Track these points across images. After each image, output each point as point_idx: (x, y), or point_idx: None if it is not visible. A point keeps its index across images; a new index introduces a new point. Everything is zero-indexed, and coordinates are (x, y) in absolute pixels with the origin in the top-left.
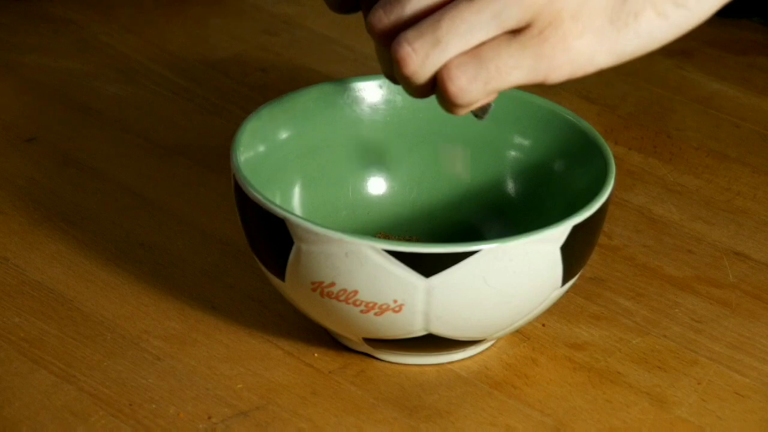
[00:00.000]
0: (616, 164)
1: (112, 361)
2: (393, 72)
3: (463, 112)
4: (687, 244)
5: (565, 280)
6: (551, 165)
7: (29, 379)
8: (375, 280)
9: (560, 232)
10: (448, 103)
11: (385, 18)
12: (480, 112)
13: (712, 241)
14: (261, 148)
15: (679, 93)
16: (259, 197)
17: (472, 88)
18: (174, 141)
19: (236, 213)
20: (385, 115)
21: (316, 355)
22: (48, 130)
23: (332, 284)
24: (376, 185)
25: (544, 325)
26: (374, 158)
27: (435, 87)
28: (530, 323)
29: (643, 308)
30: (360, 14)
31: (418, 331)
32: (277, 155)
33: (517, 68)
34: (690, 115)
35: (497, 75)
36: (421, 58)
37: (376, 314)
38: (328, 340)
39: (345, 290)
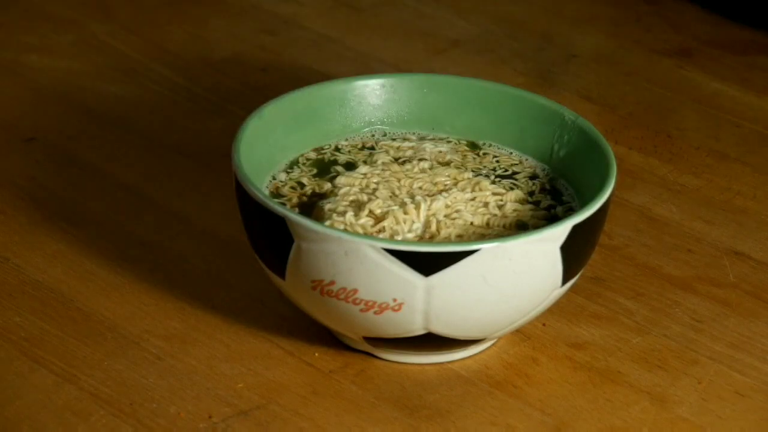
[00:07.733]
0: (616, 164)
1: (113, 360)
2: None
3: None
4: (687, 243)
5: (565, 280)
6: (552, 165)
7: (30, 378)
8: (374, 278)
9: (560, 231)
10: None
11: None
12: None
13: (712, 240)
14: (262, 147)
15: (679, 93)
16: (260, 195)
17: None
18: (174, 141)
19: (237, 212)
20: (388, 113)
21: (316, 354)
22: (48, 130)
23: (332, 282)
24: None
25: (544, 324)
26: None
27: None
28: (531, 323)
29: (644, 308)
30: (361, 13)
31: (418, 330)
32: (279, 154)
33: None
34: (690, 115)
35: None
36: None
37: (375, 313)
38: (329, 340)
39: (345, 288)
